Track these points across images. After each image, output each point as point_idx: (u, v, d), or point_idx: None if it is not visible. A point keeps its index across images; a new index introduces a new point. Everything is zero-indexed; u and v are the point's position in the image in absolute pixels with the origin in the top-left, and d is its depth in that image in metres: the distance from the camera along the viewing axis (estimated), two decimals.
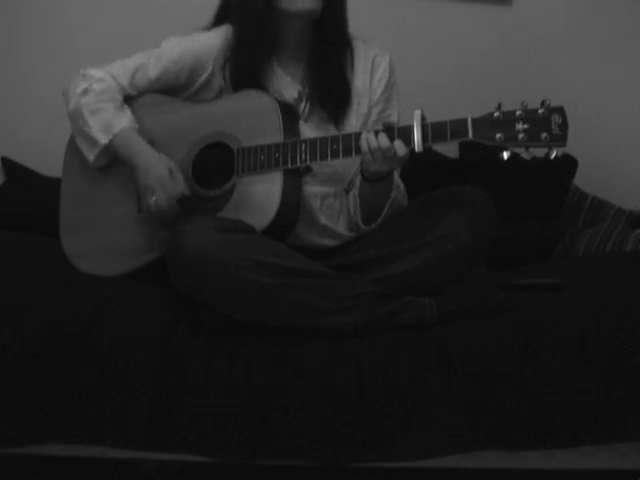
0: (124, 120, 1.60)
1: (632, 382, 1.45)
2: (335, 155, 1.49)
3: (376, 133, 1.46)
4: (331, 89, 1.63)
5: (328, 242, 1.66)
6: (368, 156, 1.46)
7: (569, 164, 2.21)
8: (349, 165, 1.66)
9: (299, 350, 1.43)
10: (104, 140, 1.59)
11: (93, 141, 1.60)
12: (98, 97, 1.61)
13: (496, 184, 2.09)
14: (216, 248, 1.36)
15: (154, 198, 1.55)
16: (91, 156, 1.62)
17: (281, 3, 1.55)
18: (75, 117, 1.62)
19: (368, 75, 1.69)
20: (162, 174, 1.54)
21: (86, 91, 1.61)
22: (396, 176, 1.65)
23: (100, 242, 1.64)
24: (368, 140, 1.45)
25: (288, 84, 1.66)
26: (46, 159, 2.10)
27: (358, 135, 1.47)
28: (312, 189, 1.62)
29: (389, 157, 1.45)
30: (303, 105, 1.66)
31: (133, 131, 1.60)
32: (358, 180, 1.62)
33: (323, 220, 1.65)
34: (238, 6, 1.62)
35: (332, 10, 1.60)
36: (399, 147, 1.44)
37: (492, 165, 2.17)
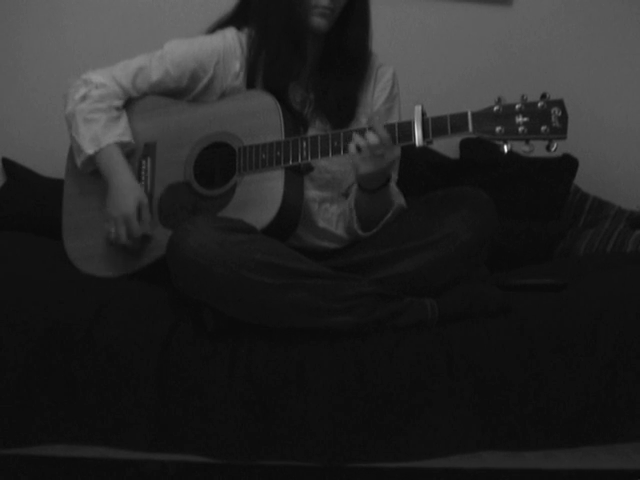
0: (114, 134, 1.60)
1: (633, 383, 1.44)
2: (336, 152, 1.49)
3: (363, 131, 1.46)
4: (338, 104, 1.63)
5: (328, 244, 1.66)
6: (356, 156, 1.46)
7: (570, 164, 2.21)
8: (348, 172, 1.65)
9: (300, 350, 1.43)
10: (90, 151, 1.59)
11: (80, 149, 1.61)
12: (94, 105, 1.60)
13: (497, 184, 2.10)
14: (217, 248, 1.37)
15: (114, 230, 1.56)
16: (78, 162, 1.63)
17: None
18: (69, 122, 1.63)
19: (371, 85, 1.69)
20: (128, 211, 1.55)
21: (84, 97, 1.61)
22: (396, 188, 1.65)
23: (102, 244, 1.64)
24: (354, 138, 1.46)
25: (292, 87, 1.64)
26: (46, 160, 2.10)
27: (360, 132, 1.47)
28: (310, 193, 1.63)
29: (378, 155, 1.45)
30: (306, 110, 1.65)
31: (117, 149, 1.60)
32: (354, 191, 1.61)
33: (322, 224, 1.65)
34: (267, 23, 1.60)
35: (352, 25, 1.60)
36: (385, 140, 1.43)
37: (493, 165, 2.18)
